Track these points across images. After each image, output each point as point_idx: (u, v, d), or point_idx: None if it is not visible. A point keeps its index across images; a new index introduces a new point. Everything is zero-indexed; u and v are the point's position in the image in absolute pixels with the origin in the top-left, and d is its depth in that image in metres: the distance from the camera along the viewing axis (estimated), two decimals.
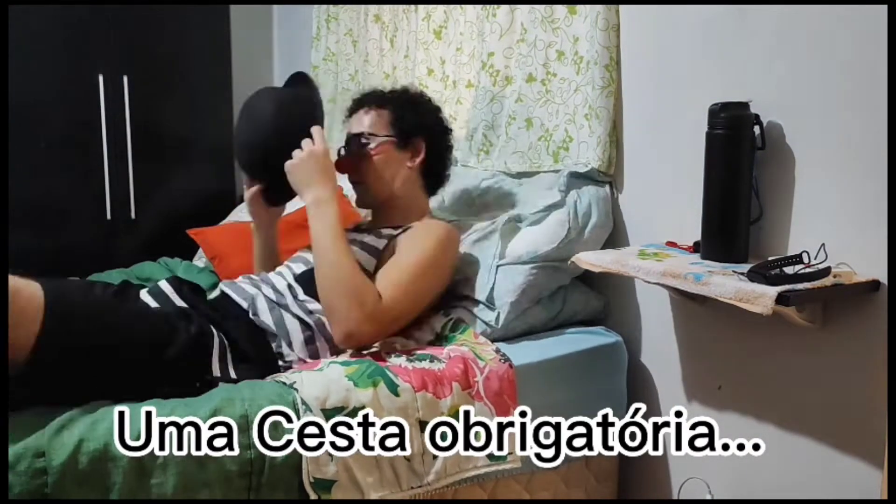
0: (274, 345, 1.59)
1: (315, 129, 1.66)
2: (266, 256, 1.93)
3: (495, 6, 2.07)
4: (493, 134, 2.13)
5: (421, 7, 2.40)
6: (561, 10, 1.93)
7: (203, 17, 3.01)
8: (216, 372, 1.45)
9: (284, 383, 1.40)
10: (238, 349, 1.53)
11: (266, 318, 1.62)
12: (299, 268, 1.72)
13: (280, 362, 1.58)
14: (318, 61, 2.97)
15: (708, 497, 1.65)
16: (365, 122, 1.84)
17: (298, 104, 1.73)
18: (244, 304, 1.64)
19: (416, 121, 1.84)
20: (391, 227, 1.79)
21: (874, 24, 1.35)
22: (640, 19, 1.78)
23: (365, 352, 1.57)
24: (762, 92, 1.53)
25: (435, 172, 1.90)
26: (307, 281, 1.65)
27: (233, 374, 1.47)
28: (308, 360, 1.59)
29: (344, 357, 1.54)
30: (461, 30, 2.27)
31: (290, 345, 1.60)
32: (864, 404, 1.42)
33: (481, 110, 2.13)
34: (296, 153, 1.63)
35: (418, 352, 1.57)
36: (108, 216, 2.84)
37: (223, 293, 1.69)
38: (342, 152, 1.84)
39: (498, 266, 1.76)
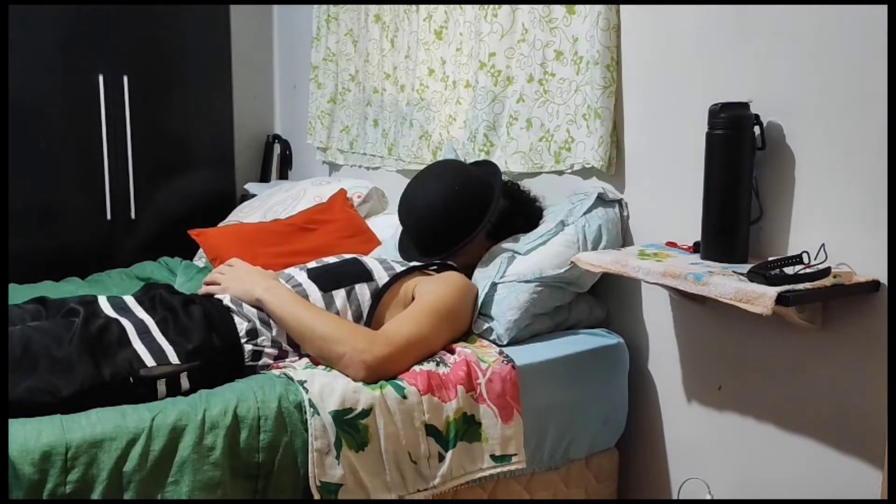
0: (244, 327, 1.53)
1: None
2: None
3: (496, 6, 2.07)
4: (495, 134, 2.13)
5: (422, 7, 2.40)
6: (559, 10, 1.93)
7: (203, 17, 3.02)
8: (149, 361, 1.37)
9: (292, 379, 1.40)
10: (185, 333, 1.46)
11: (249, 311, 1.58)
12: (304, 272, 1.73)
13: (249, 346, 1.51)
14: (318, 61, 2.97)
15: (708, 497, 1.65)
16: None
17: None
18: (224, 298, 1.62)
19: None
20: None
21: (874, 24, 1.35)
22: (641, 19, 1.78)
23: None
24: (762, 92, 1.53)
25: (506, 230, 1.89)
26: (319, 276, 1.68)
27: (174, 360, 1.40)
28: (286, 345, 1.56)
29: None
30: (462, 30, 2.27)
31: (267, 324, 1.56)
32: (864, 404, 1.42)
33: (482, 111, 2.13)
34: (216, 277, 1.71)
35: None
36: (108, 216, 2.84)
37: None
38: None
39: (497, 283, 1.75)
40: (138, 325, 1.45)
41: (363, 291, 1.67)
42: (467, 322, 1.72)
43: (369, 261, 1.77)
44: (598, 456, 1.77)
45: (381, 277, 1.70)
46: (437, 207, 1.81)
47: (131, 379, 1.34)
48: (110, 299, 1.58)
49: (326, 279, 1.68)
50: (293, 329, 1.53)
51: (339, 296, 1.64)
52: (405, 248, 1.97)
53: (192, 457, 1.24)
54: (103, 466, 1.18)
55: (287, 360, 1.55)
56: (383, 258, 1.84)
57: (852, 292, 1.38)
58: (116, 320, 1.45)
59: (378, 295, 1.67)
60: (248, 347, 1.50)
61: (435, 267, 1.81)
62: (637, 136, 1.83)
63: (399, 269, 1.74)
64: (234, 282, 1.65)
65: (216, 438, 1.26)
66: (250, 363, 1.50)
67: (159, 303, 1.55)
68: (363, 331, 1.54)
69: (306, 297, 1.63)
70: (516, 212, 1.90)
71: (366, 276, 1.69)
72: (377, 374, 1.46)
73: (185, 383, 1.38)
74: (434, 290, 1.66)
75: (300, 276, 1.70)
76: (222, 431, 1.26)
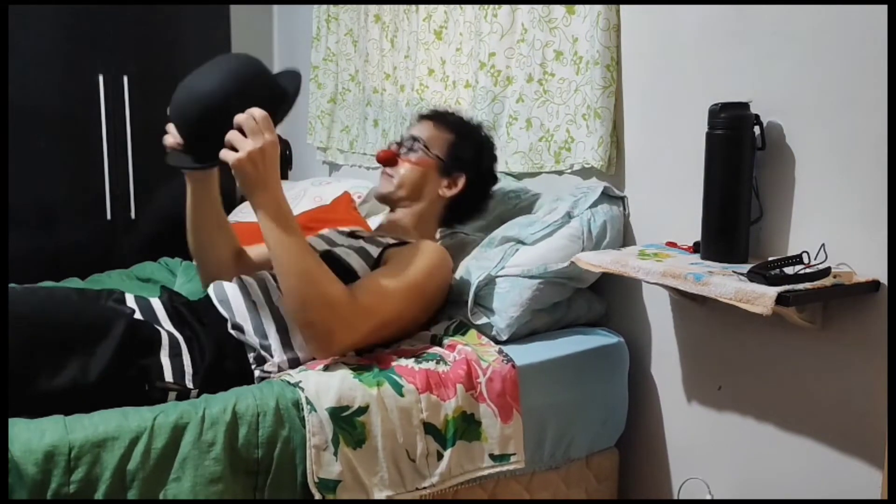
0: (251, 355, 1.51)
1: (266, 117, 1.42)
2: (203, 215, 1.70)
3: (496, 6, 2.07)
4: (495, 134, 2.13)
5: (422, 7, 2.40)
6: (559, 10, 1.93)
7: (203, 17, 3.02)
8: (168, 377, 1.38)
9: (289, 382, 1.40)
10: (203, 356, 1.45)
11: (244, 321, 1.52)
12: None
13: (257, 372, 1.49)
14: (318, 61, 2.97)
15: (708, 497, 1.65)
16: (426, 132, 1.85)
17: (271, 88, 1.54)
18: (224, 312, 1.54)
19: (469, 157, 1.84)
20: (391, 237, 1.76)
21: (874, 24, 1.35)
22: (641, 19, 1.79)
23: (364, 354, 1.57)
24: (762, 92, 1.53)
25: (461, 211, 1.89)
26: None
27: (189, 384, 1.40)
28: (287, 366, 1.51)
29: (350, 357, 1.54)
30: (461, 30, 2.27)
31: (268, 350, 1.51)
32: (864, 404, 1.42)
33: (482, 110, 2.13)
34: (244, 144, 1.38)
35: (427, 351, 1.57)
36: (108, 216, 2.85)
37: (207, 297, 1.60)
38: (392, 147, 1.87)
39: (496, 276, 1.74)
40: (172, 341, 1.45)
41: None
42: (441, 298, 1.71)
43: (345, 255, 1.65)
44: (598, 455, 1.77)
45: (364, 270, 1.63)
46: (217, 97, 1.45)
47: (147, 386, 1.36)
48: (138, 300, 1.56)
49: None
50: (281, 262, 1.43)
51: None
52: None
53: (193, 453, 1.24)
54: (107, 465, 1.19)
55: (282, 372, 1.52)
56: (350, 242, 1.72)
57: (852, 292, 1.38)
58: (158, 331, 1.45)
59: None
60: (256, 373, 1.50)
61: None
62: (637, 136, 1.83)
63: (374, 251, 1.67)
64: (255, 170, 1.39)
65: (216, 434, 1.26)
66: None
67: (185, 322, 1.52)
68: (332, 301, 1.44)
69: None
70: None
71: (352, 277, 1.59)
72: (344, 349, 1.48)
73: (193, 395, 1.39)
74: (412, 262, 1.60)
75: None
76: (222, 427, 1.27)
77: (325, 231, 1.87)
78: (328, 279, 1.45)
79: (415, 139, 1.84)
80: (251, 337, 1.51)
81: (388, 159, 1.83)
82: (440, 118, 1.89)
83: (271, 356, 1.51)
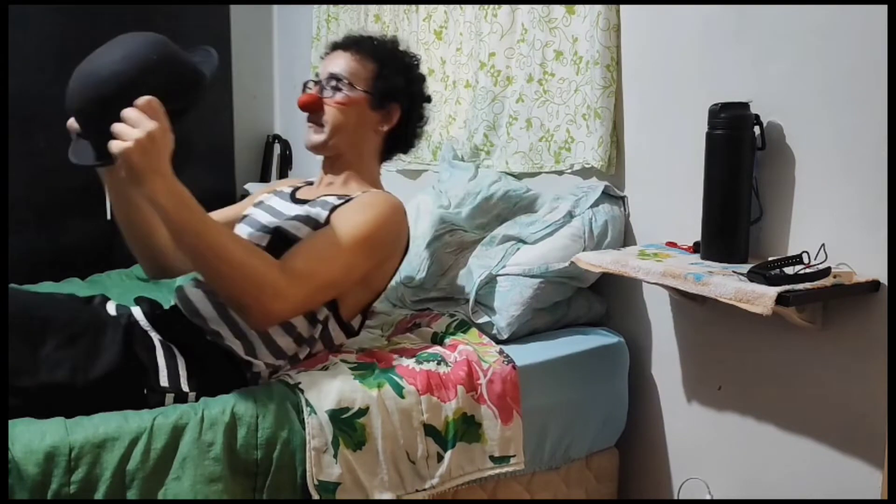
0: (241, 353, 1.46)
1: (152, 102, 1.27)
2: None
3: (496, 6, 2.07)
4: (495, 134, 2.13)
5: (421, 7, 2.40)
6: (559, 10, 1.93)
7: (203, 17, 3.01)
8: (164, 382, 1.36)
9: (289, 384, 1.40)
10: (194, 360, 1.42)
11: (220, 328, 1.47)
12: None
13: (248, 373, 1.47)
14: (318, 61, 2.97)
15: (708, 497, 1.65)
16: (346, 66, 1.67)
17: (177, 72, 1.39)
18: (197, 323, 1.49)
19: (400, 85, 1.69)
20: (335, 196, 1.62)
21: (874, 24, 1.35)
22: (641, 19, 1.78)
23: (358, 349, 1.57)
24: (762, 92, 1.53)
25: (401, 142, 1.75)
26: None
27: (185, 387, 1.37)
28: (276, 361, 1.49)
29: (350, 356, 1.54)
30: (461, 30, 2.27)
31: (252, 348, 1.47)
32: (864, 404, 1.42)
33: (482, 110, 2.13)
34: (130, 133, 1.24)
35: (428, 350, 1.57)
36: (109, 216, 2.83)
37: (180, 300, 1.55)
38: (310, 87, 1.69)
39: (497, 275, 1.74)
40: (164, 345, 1.43)
41: None
42: (398, 247, 1.60)
43: (294, 229, 1.53)
44: (599, 455, 1.77)
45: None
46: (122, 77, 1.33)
47: (145, 390, 1.35)
48: (119, 308, 1.53)
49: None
50: (191, 248, 1.33)
51: None
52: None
53: (192, 452, 1.24)
54: (107, 466, 1.19)
55: (280, 372, 1.51)
56: (296, 211, 1.59)
57: (852, 292, 1.38)
58: (150, 335, 1.43)
59: None
60: (248, 374, 1.48)
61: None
62: (637, 136, 1.83)
63: (322, 216, 1.53)
64: (144, 159, 1.24)
65: (215, 434, 1.26)
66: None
67: (169, 329, 1.48)
68: (276, 267, 1.37)
69: None
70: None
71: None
72: (282, 318, 1.42)
73: (191, 398, 1.38)
74: (354, 219, 1.50)
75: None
76: (221, 428, 1.27)
77: (267, 198, 1.71)
78: (244, 253, 1.35)
79: (336, 77, 1.66)
80: (231, 341, 1.46)
81: (312, 104, 1.65)
82: (358, 46, 1.71)
83: (256, 355, 1.47)
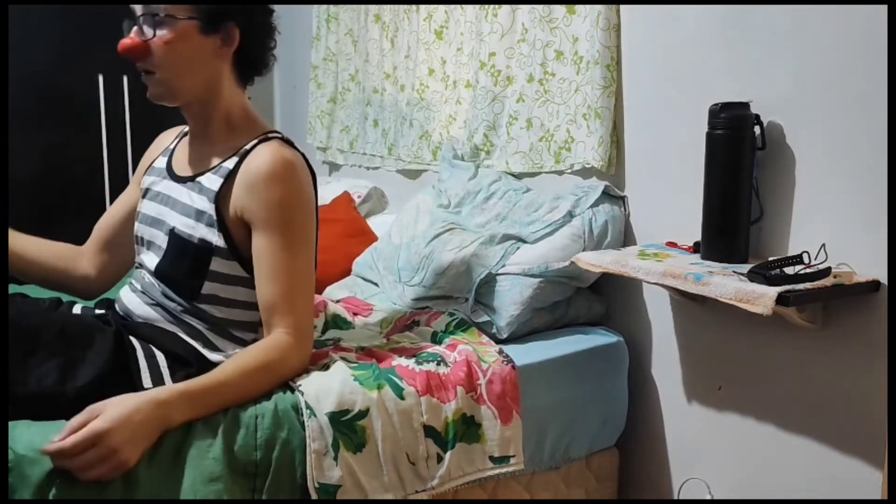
0: (203, 351, 1.43)
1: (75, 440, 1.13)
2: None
3: (496, 6, 2.07)
4: (495, 134, 2.13)
5: (422, 7, 2.40)
6: (559, 9, 1.93)
7: None
8: (147, 383, 1.34)
9: (287, 384, 1.40)
10: (172, 356, 1.40)
11: (172, 327, 1.44)
12: (152, 259, 1.48)
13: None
14: (318, 61, 2.97)
15: (708, 497, 1.65)
16: None
17: None
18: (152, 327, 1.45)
19: None
20: (210, 170, 1.46)
21: (874, 24, 1.35)
22: (641, 19, 1.78)
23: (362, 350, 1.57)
24: (762, 92, 1.53)
25: (252, 62, 1.52)
26: (165, 276, 1.44)
27: (168, 383, 1.34)
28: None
29: (349, 355, 1.54)
30: (462, 30, 2.27)
31: (212, 346, 1.44)
32: (865, 404, 1.42)
33: (482, 110, 2.13)
34: (91, 458, 1.13)
35: (428, 350, 1.57)
36: None
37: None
38: (130, 34, 1.41)
39: (497, 274, 1.74)
40: (141, 344, 1.41)
41: (219, 267, 1.43)
42: (312, 205, 1.48)
43: (190, 229, 1.43)
44: (599, 455, 1.77)
45: (216, 238, 1.42)
46: None
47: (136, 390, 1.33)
48: (84, 310, 1.53)
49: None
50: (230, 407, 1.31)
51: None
52: None
53: (191, 452, 1.24)
54: None
55: None
56: (184, 205, 1.46)
57: (852, 292, 1.38)
58: (131, 341, 1.41)
59: (234, 251, 1.43)
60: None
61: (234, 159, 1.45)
62: (637, 136, 1.83)
63: (209, 208, 1.42)
64: (131, 444, 1.16)
65: (214, 435, 1.26)
66: None
67: (136, 333, 1.45)
68: (271, 348, 1.36)
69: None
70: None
71: (208, 253, 1.42)
72: (308, 359, 1.42)
73: None
74: (279, 229, 1.38)
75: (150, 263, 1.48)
76: (220, 428, 1.27)
77: (152, 183, 1.55)
78: (256, 368, 1.33)
79: (152, 13, 1.40)
80: (191, 341, 1.44)
81: (135, 50, 1.39)
82: None
83: (220, 349, 1.45)
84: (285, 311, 1.38)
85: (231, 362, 1.34)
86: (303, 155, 1.50)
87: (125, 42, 1.40)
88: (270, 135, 1.49)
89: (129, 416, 1.16)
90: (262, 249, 1.39)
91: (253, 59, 1.52)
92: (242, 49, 1.48)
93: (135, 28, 1.41)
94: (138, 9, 1.42)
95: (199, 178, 1.46)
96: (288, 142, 1.50)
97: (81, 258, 1.65)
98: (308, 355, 1.43)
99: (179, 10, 1.40)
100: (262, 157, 1.41)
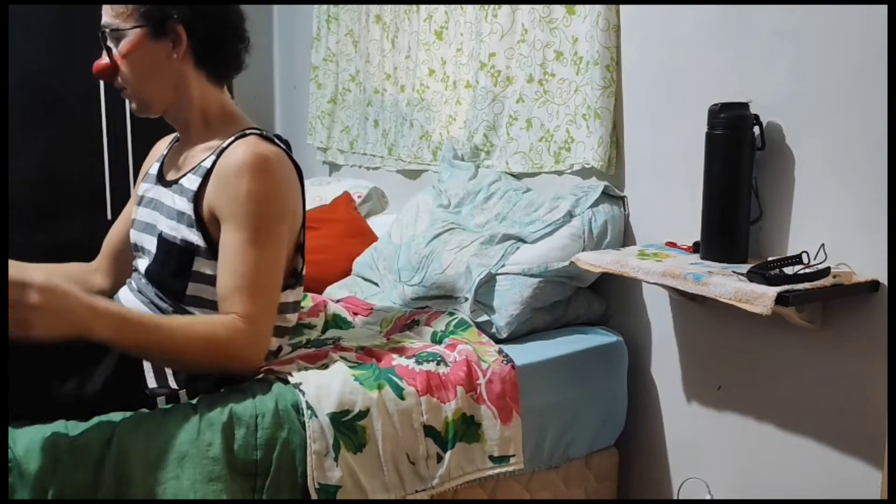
0: None
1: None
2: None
3: (496, 6, 2.07)
4: (495, 134, 2.13)
5: (422, 7, 2.40)
6: (559, 10, 1.93)
7: None
8: (151, 384, 1.34)
9: (288, 382, 1.40)
10: None
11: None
12: (145, 263, 1.50)
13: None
14: (318, 61, 2.97)
15: (708, 497, 1.65)
16: (109, 13, 1.43)
17: None
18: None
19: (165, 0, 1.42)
20: (191, 170, 1.46)
21: (874, 24, 1.35)
22: (641, 19, 1.79)
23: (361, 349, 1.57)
24: (762, 92, 1.53)
25: (213, 57, 1.49)
26: (154, 279, 1.46)
27: (173, 384, 1.36)
28: None
29: (349, 354, 1.54)
30: (462, 30, 2.27)
31: None
32: (864, 404, 1.42)
33: (482, 111, 2.13)
34: (21, 316, 1.10)
35: (427, 350, 1.57)
36: (108, 216, 2.85)
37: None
38: (102, 58, 1.46)
39: (497, 274, 1.74)
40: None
41: (202, 268, 1.42)
42: (290, 202, 1.45)
43: (174, 230, 1.44)
44: (598, 455, 1.77)
45: (197, 240, 1.42)
46: None
47: (143, 393, 1.35)
48: None
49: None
50: (155, 357, 1.32)
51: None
52: None
53: (191, 452, 1.24)
54: (107, 465, 1.19)
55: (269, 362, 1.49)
56: (168, 208, 1.47)
57: (852, 292, 1.38)
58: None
59: (213, 251, 1.41)
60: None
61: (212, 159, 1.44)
62: (637, 136, 1.83)
63: (187, 208, 1.42)
64: (47, 316, 1.12)
65: (214, 434, 1.26)
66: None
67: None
68: (224, 324, 1.32)
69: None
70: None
71: (192, 254, 1.42)
72: (262, 354, 1.39)
73: (183, 397, 1.37)
74: (243, 221, 1.36)
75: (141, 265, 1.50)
76: (219, 428, 1.27)
77: (145, 189, 1.57)
78: (198, 333, 1.30)
79: (104, 31, 1.43)
80: None
81: (104, 72, 1.45)
82: None
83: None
84: (241, 303, 1.34)
85: (179, 317, 1.34)
86: (287, 152, 1.48)
87: (96, 66, 1.45)
88: (248, 131, 1.49)
89: (63, 295, 1.14)
90: (225, 242, 1.38)
91: (213, 55, 1.49)
92: (198, 46, 1.46)
93: (104, 49, 1.45)
94: (104, 24, 1.44)
95: (181, 180, 1.47)
96: (268, 138, 1.48)
97: (94, 274, 1.71)
98: (260, 353, 1.37)
99: (127, 21, 1.42)
100: (235, 153, 1.40)
